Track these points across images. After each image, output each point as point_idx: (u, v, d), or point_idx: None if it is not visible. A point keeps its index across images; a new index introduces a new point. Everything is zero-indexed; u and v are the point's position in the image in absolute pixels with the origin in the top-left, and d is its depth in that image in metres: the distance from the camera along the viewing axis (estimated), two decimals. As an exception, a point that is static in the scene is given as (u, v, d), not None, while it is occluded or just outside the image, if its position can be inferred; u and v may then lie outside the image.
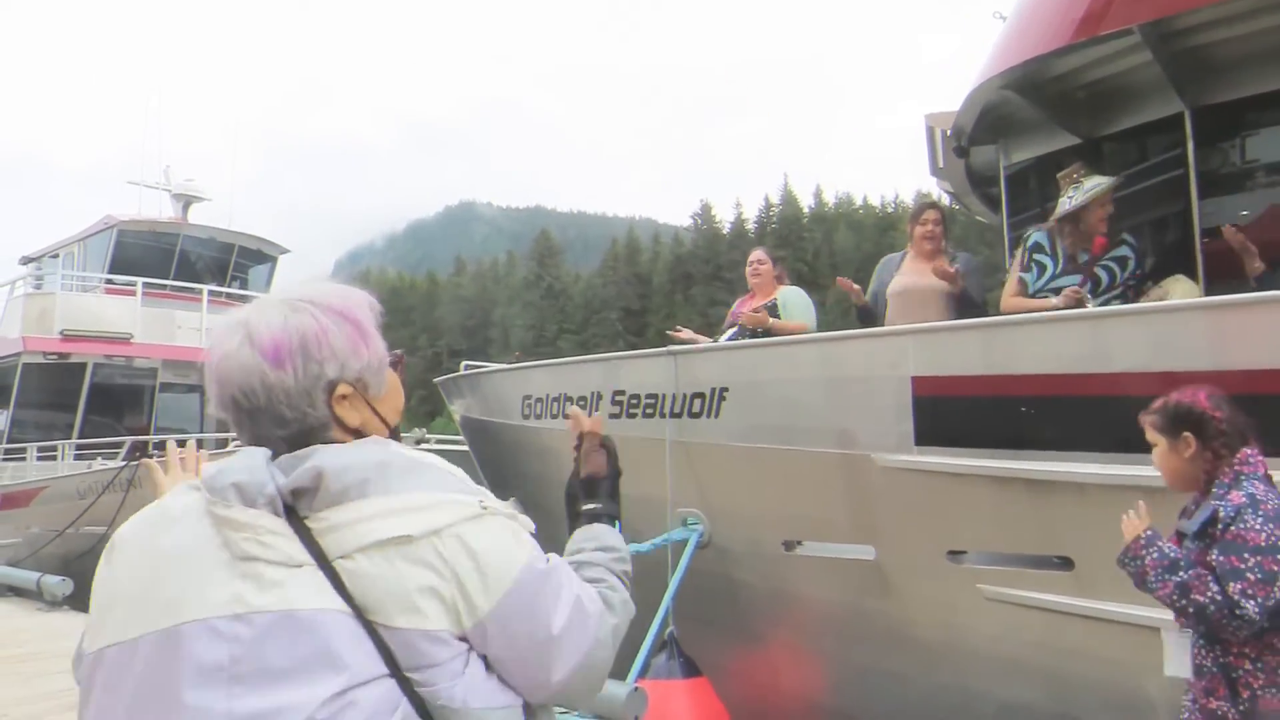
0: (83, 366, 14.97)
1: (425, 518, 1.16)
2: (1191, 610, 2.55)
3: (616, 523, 1.64)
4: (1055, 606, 3.99)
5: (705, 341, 6.10)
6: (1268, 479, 2.69)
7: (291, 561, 1.13)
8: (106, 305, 15.59)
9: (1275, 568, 2.47)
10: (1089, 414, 3.85)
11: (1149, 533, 2.72)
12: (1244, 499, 2.59)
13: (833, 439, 4.58)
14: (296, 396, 1.24)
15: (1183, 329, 3.68)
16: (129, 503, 10.90)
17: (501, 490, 7.79)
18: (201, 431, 15.15)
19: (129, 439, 12.16)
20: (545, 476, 6.61)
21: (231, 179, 19.54)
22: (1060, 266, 4.73)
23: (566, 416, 1.86)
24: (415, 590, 1.14)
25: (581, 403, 6.00)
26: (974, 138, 6.20)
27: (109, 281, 16.12)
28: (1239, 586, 2.47)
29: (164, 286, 16.03)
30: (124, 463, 11.26)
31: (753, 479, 4.96)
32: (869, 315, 5.66)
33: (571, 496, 1.70)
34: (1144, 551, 2.69)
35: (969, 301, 5.27)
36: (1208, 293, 4.79)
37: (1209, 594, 2.49)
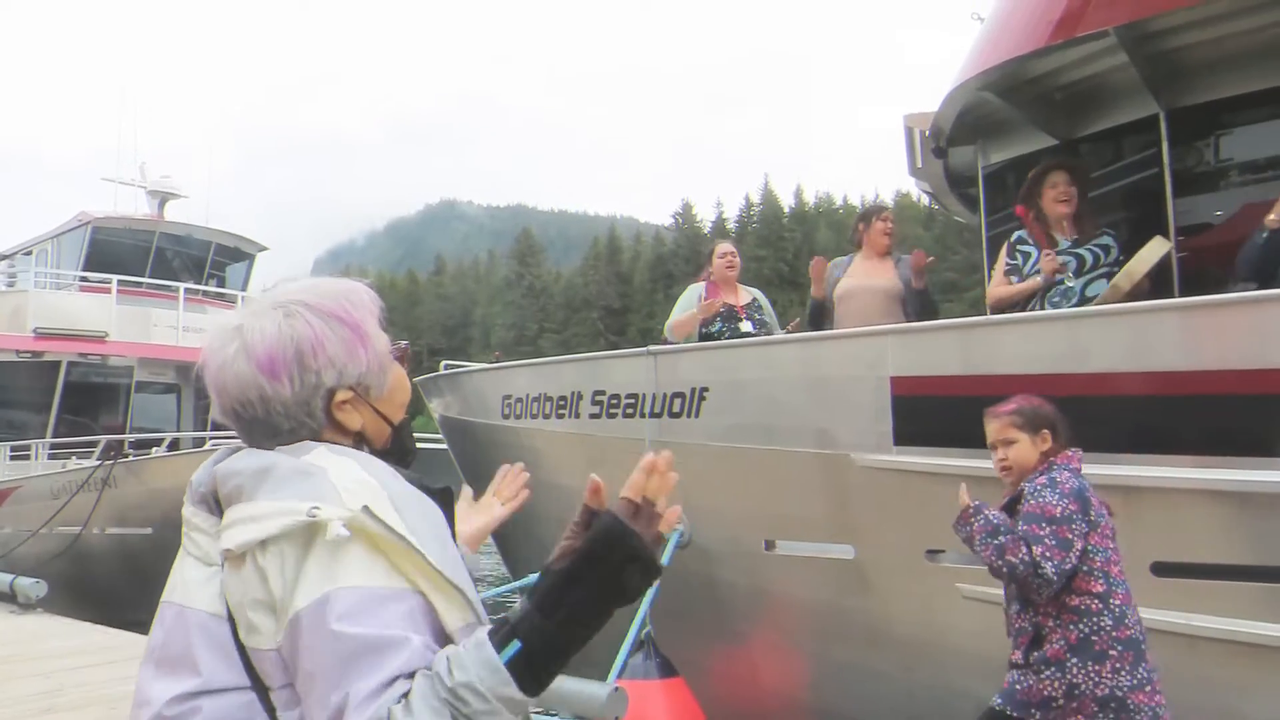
0: (57, 365, 14.78)
1: (254, 528, 1.09)
2: (1005, 570, 2.89)
3: (514, 643, 1.04)
4: (1032, 604, 4.01)
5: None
6: (1076, 471, 3.07)
7: (207, 560, 1.18)
8: (81, 303, 15.40)
9: (1069, 535, 2.86)
10: (1066, 413, 3.88)
11: (977, 503, 3.07)
12: (1045, 480, 3.01)
13: (812, 439, 4.60)
14: (294, 407, 1.22)
15: (1158, 329, 3.71)
16: (103, 502, 10.79)
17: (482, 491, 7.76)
18: (179, 431, 15.02)
19: (103, 438, 12.02)
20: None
21: (209, 175, 19.34)
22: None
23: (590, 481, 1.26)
24: (249, 605, 1.10)
25: (562, 402, 5.99)
26: (952, 138, 6.23)
27: (83, 279, 15.93)
28: (1040, 550, 2.84)
29: (140, 284, 15.86)
30: (98, 462, 11.13)
31: (733, 478, 4.96)
32: (820, 312, 5.70)
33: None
34: (972, 519, 3.03)
35: (927, 300, 5.42)
36: (1183, 293, 4.84)
37: (1020, 555, 2.84)
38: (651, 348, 5.44)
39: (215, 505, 1.19)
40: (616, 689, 4.35)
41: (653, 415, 5.23)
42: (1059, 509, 2.91)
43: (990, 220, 6.25)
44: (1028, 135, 5.87)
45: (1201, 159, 5.33)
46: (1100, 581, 2.89)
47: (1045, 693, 2.86)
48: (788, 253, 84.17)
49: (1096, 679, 2.81)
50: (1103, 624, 2.86)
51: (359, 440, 1.29)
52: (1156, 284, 4.60)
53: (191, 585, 1.17)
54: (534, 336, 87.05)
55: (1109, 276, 4.65)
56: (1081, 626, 2.86)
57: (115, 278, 15.19)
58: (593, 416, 5.70)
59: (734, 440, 4.90)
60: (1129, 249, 4.74)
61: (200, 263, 17.45)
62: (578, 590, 1.07)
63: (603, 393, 5.65)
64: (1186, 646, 3.60)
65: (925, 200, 9.28)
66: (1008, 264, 4.88)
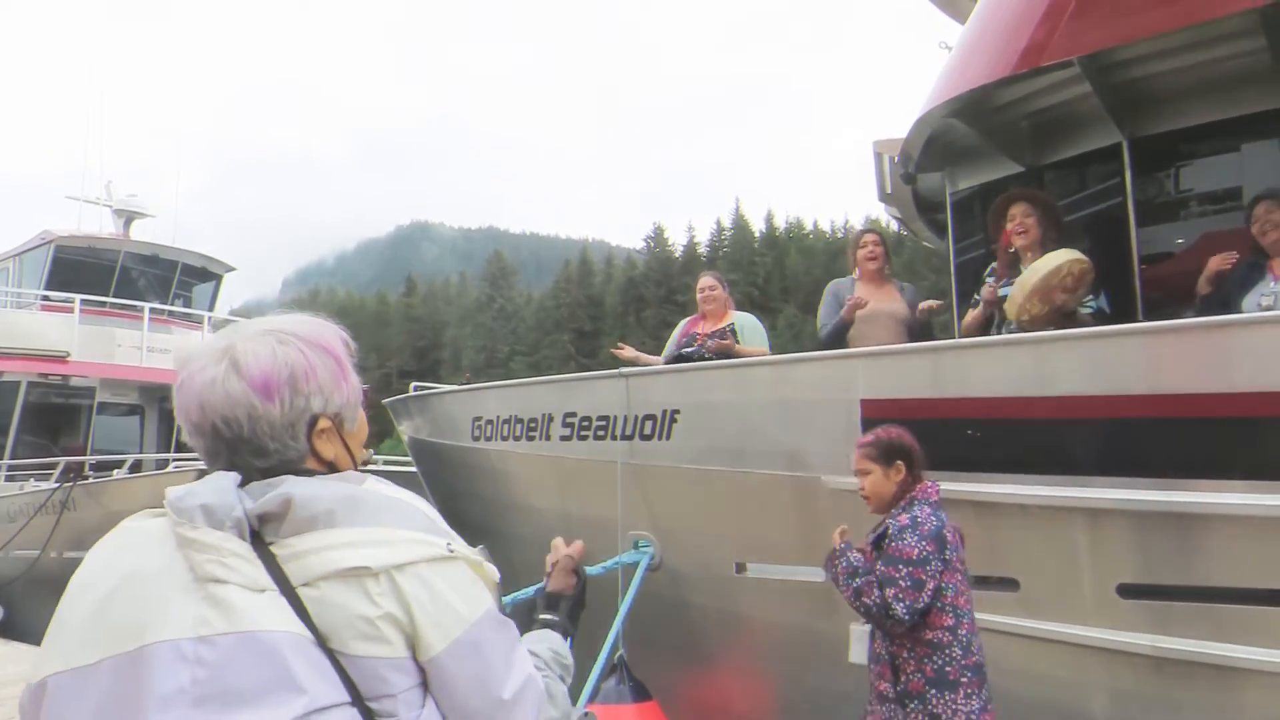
0: (16, 385, 14.51)
1: (388, 552, 1.16)
2: (861, 610, 3.20)
3: (569, 639, 1.69)
4: (1000, 627, 4.03)
5: (651, 360, 6.10)
6: (935, 504, 3.31)
7: (255, 586, 1.13)
8: (42, 322, 15.14)
9: (923, 577, 3.12)
10: (1032, 437, 3.92)
11: (843, 545, 3.39)
12: (908, 520, 3.23)
13: (783, 461, 4.60)
14: (281, 429, 1.25)
15: (1121, 353, 3.77)
16: (62, 525, 10.57)
17: (451, 514, 7.70)
18: (141, 453, 14.77)
19: (63, 460, 11.79)
20: (496, 499, 6.54)
21: (177, 193, 19.14)
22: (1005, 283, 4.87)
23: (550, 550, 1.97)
24: (375, 619, 1.14)
25: (533, 424, 5.96)
26: (921, 164, 6.32)
27: (45, 298, 15.67)
28: (892, 592, 3.11)
29: (104, 304, 15.63)
30: (57, 484, 10.91)
31: (704, 501, 4.95)
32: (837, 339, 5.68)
33: (530, 606, 1.81)
34: (837, 561, 3.35)
35: (926, 330, 5.49)
36: (1146, 318, 4.92)
37: (873, 598, 3.13)
38: (623, 370, 5.43)
39: (247, 532, 1.16)
40: (587, 714, 4.30)
41: (624, 437, 5.21)
42: (916, 552, 3.15)
43: (958, 246, 6.33)
44: (995, 162, 5.96)
45: (1163, 188, 5.44)
46: (950, 615, 3.16)
47: None
48: (758, 277, 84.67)
49: (954, 708, 3.09)
50: (954, 654, 3.14)
51: (330, 467, 1.32)
52: (1080, 297, 4.65)
53: (255, 611, 1.10)
54: (505, 359, 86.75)
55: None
56: (936, 659, 3.13)
57: (78, 297, 14.97)
58: (564, 439, 5.67)
59: (705, 463, 4.89)
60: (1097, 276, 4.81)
61: (166, 282, 17.24)
62: (581, 608, 1.87)
63: (574, 415, 5.63)
64: (1153, 668, 3.63)
65: (894, 226, 9.40)
66: (975, 297, 4.99)
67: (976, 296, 4.99)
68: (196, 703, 1.06)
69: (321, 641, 1.12)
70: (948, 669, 3.12)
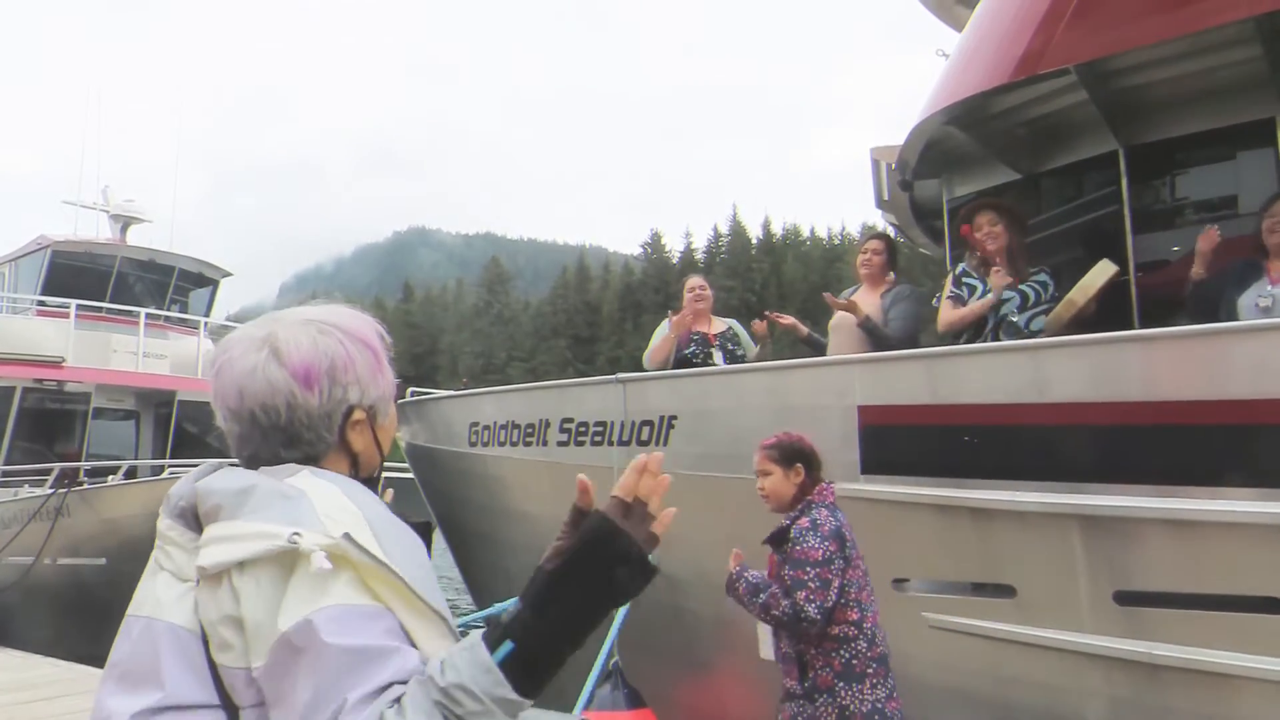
0: (11, 390, 14.46)
1: (230, 549, 1.09)
2: (773, 622, 3.30)
3: (507, 644, 1.03)
4: (997, 634, 4.03)
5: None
6: (832, 505, 3.43)
7: (181, 575, 1.16)
8: (38, 327, 15.09)
9: (829, 576, 3.23)
10: (1028, 443, 3.92)
11: (739, 568, 3.47)
12: (808, 523, 3.34)
13: (780, 467, 4.59)
14: (318, 419, 1.25)
15: (1118, 360, 3.77)
16: (57, 532, 10.53)
17: (447, 520, 7.68)
18: (136, 459, 14.72)
19: (57, 466, 11.74)
20: (492, 505, 6.53)
21: (174, 199, 19.12)
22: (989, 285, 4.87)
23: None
24: (221, 622, 1.09)
25: (530, 430, 5.96)
26: (918, 171, 6.33)
27: (41, 303, 15.64)
28: (803, 595, 3.19)
29: (100, 309, 15.59)
30: (51, 490, 10.87)
31: (701, 507, 4.94)
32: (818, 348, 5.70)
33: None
34: (738, 583, 3.42)
35: (878, 336, 5.28)
36: (1142, 326, 4.93)
37: (781, 608, 3.21)
38: (620, 375, 5.43)
39: (194, 520, 1.18)
40: (582, 721, 4.29)
41: (621, 443, 5.21)
42: (820, 552, 3.26)
43: (955, 253, 6.33)
44: (992, 169, 5.97)
45: (1159, 196, 5.46)
46: (855, 610, 3.29)
47: (822, 717, 3.22)
48: (755, 283, 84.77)
49: (861, 698, 3.22)
50: (859, 647, 3.27)
51: (354, 464, 1.31)
52: (1102, 306, 4.68)
53: (164, 599, 1.15)
54: (502, 365, 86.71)
55: (1048, 310, 4.73)
56: (843, 653, 3.25)
57: (74, 302, 14.93)
58: (560, 444, 5.66)
59: (702, 469, 4.88)
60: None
61: (163, 288, 17.20)
62: (568, 589, 1.07)
63: (571, 420, 5.63)
64: (1150, 675, 3.63)
65: (892, 232, 9.39)
66: (952, 293, 4.96)
67: (954, 291, 4.97)
68: (120, 676, 1.15)
69: (206, 642, 1.11)
70: (854, 662, 3.25)
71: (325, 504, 1.11)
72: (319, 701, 0.99)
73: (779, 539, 3.41)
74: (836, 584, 3.23)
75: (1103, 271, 4.60)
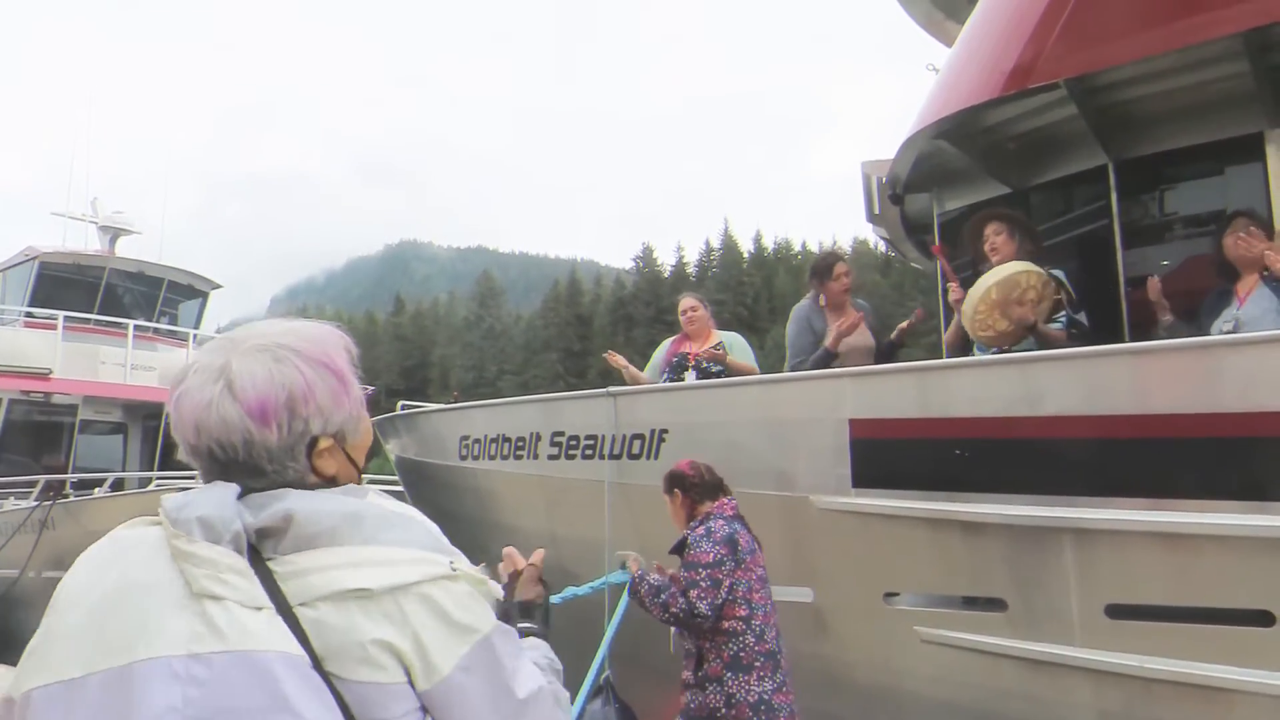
0: (-3, 402, 14.38)
1: (391, 572, 1.13)
2: (670, 619, 3.72)
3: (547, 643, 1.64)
4: (989, 648, 4.01)
5: (639, 376, 6.06)
6: (730, 518, 3.86)
7: (252, 603, 1.08)
8: (25, 339, 15.02)
9: (720, 576, 3.65)
10: (1019, 456, 3.92)
11: (639, 571, 3.96)
12: (703, 531, 3.80)
13: (772, 481, 4.58)
14: (279, 453, 1.21)
15: (1109, 373, 3.77)
16: (42, 545, 10.44)
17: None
18: (123, 471, 14.63)
19: (43, 478, 11.65)
20: (483, 518, 6.49)
21: (164, 210, 19.12)
22: None
23: (501, 558, 1.94)
24: (372, 643, 1.10)
25: (520, 443, 5.93)
26: (908, 185, 6.34)
27: (29, 315, 15.57)
28: (695, 593, 3.62)
29: (88, 320, 15.52)
30: (36, 503, 10.78)
31: (691, 521, 4.92)
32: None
33: (505, 617, 1.67)
34: (639, 586, 3.86)
35: (884, 349, 5.46)
36: (1131, 339, 4.94)
37: (679, 605, 3.63)
38: (611, 389, 5.41)
39: (245, 547, 1.12)
40: (572, 736, 4.25)
41: (612, 457, 5.19)
42: (711, 555, 3.69)
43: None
44: (982, 183, 6.00)
45: (1148, 210, 5.48)
46: (743, 607, 3.67)
47: (711, 705, 3.59)
48: (747, 297, 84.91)
49: (748, 688, 3.58)
50: (747, 642, 3.65)
51: (332, 482, 1.28)
52: (1093, 319, 4.67)
53: (254, 629, 1.07)
54: (493, 378, 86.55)
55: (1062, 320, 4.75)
56: (732, 646, 3.63)
57: (61, 313, 14.86)
58: (551, 458, 5.64)
59: (693, 482, 4.85)
60: (1080, 296, 4.84)
61: (152, 299, 17.14)
62: (546, 611, 1.77)
63: (561, 434, 5.60)
64: (1142, 689, 3.61)
65: (882, 247, 9.43)
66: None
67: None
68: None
69: (318, 664, 1.08)
70: (741, 654, 3.62)
71: (432, 527, 1.25)
72: (521, 679, 1.25)
73: (680, 547, 3.86)
74: (727, 584, 3.64)
75: (987, 278, 4.55)
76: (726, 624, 3.64)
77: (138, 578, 1.11)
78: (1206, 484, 3.48)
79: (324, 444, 1.25)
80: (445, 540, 1.24)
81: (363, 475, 1.38)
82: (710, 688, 3.61)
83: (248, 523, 1.13)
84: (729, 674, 3.59)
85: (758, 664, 3.62)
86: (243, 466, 1.20)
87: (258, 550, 1.13)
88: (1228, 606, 3.48)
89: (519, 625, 1.66)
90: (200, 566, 1.09)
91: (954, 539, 4.05)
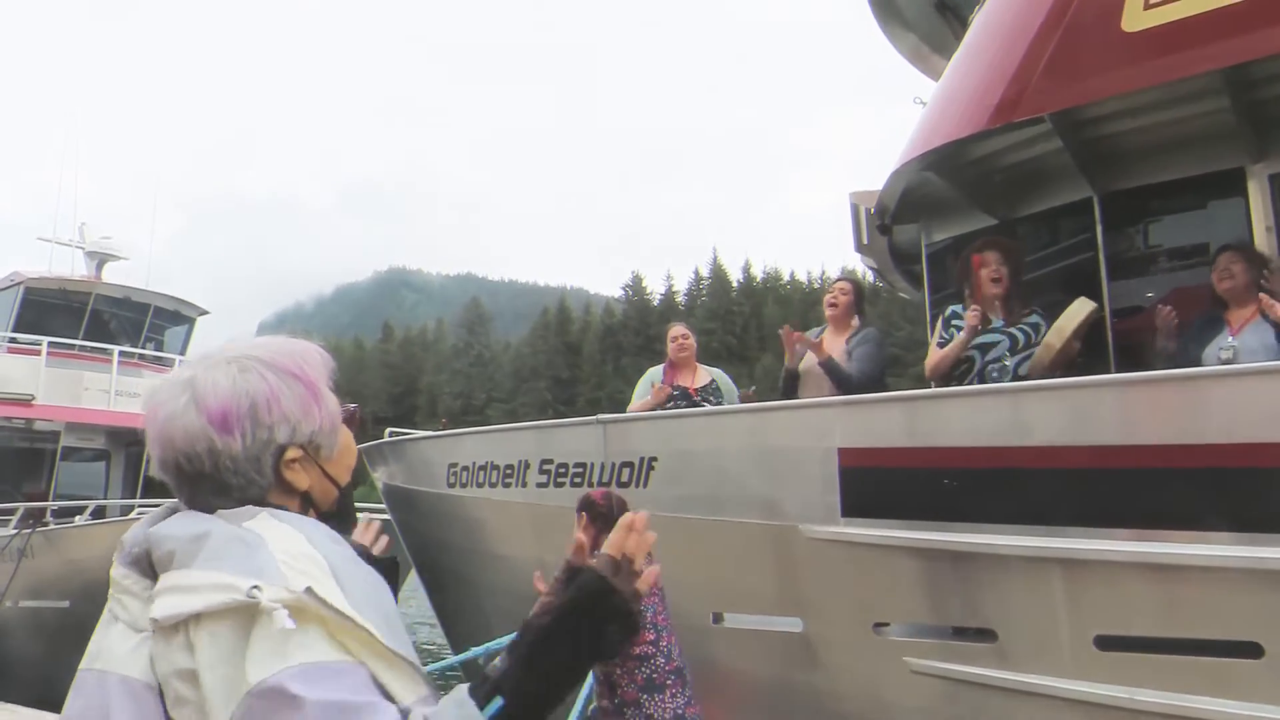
0: (-23, 428, 14.24)
1: (186, 599, 1.04)
2: None
3: (497, 700, 1.05)
4: (978, 679, 3.99)
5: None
6: None
7: (136, 626, 1.11)
8: (7, 364, 14.89)
9: None
10: (1009, 486, 3.92)
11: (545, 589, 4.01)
12: None
13: (760, 510, 4.57)
14: (244, 463, 1.19)
15: (1097, 404, 3.79)
16: (20, 574, 10.30)
17: (425, 562, 7.57)
18: (105, 498, 14.47)
19: (22, 505, 11.51)
20: (471, 547, 6.45)
21: (152, 236, 19.05)
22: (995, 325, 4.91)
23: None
24: (176, 676, 1.05)
25: (509, 471, 5.90)
26: (896, 216, 6.39)
27: (12, 340, 15.45)
28: None
29: (72, 346, 15.41)
30: (16, 530, 10.64)
31: (681, 549, 4.88)
32: (792, 382, 5.69)
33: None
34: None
35: (839, 376, 5.35)
36: (1118, 370, 4.97)
37: None
38: (600, 416, 5.41)
39: (149, 568, 1.13)
40: (559, 769, 4.21)
41: (601, 485, 5.17)
42: None
43: (934, 298, 6.39)
44: (969, 215, 6.04)
45: (1134, 243, 5.53)
46: (652, 631, 3.87)
47: None
48: (736, 326, 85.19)
49: (664, 706, 3.78)
50: (658, 663, 3.85)
51: (305, 502, 1.26)
52: (1086, 345, 4.73)
53: (117, 651, 1.10)
54: (482, 406, 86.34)
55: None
56: (644, 669, 3.81)
57: (45, 339, 14.76)
58: (540, 486, 5.61)
59: (682, 511, 4.84)
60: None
61: (138, 325, 17.05)
62: (560, 646, 1.09)
63: (550, 461, 5.58)
64: (1131, 722, 3.60)
65: (870, 277, 9.50)
66: (942, 337, 5.00)
67: (943, 336, 5.01)
68: None
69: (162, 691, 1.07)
70: (654, 676, 3.83)
71: (285, 550, 1.08)
72: None
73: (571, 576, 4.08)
74: None
75: (1077, 312, 4.66)
76: (638, 650, 3.81)
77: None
78: (1196, 515, 3.48)
79: (292, 453, 1.22)
80: (289, 561, 1.07)
81: (349, 494, 1.36)
82: (629, 712, 3.76)
83: (140, 542, 1.16)
84: (644, 696, 3.78)
85: (669, 683, 3.86)
86: (210, 481, 1.19)
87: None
88: (1217, 638, 3.47)
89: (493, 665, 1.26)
90: (113, 587, 1.16)
91: (943, 569, 4.05)
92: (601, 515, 4.11)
